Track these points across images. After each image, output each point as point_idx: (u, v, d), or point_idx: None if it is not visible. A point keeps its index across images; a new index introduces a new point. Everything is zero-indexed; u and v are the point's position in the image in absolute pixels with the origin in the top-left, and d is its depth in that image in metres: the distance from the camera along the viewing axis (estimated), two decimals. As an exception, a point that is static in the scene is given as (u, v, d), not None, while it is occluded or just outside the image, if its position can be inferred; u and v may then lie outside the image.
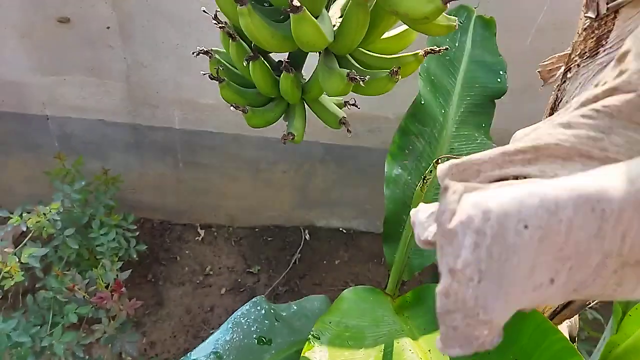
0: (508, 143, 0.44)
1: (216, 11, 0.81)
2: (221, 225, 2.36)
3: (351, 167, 2.24)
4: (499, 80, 1.35)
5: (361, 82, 0.71)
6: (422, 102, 1.27)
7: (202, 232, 2.30)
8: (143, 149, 2.06)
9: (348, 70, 0.72)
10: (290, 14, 0.63)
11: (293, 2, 0.60)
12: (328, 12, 0.79)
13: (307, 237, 2.39)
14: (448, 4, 0.58)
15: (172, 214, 2.33)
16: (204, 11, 0.82)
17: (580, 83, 0.83)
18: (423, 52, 0.82)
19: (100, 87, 1.83)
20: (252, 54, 0.80)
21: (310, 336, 0.94)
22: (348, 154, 2.20)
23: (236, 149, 2.12)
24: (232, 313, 1.09)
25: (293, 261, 2.26)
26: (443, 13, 0.65)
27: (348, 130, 0.91)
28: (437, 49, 0.83)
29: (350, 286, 2.27)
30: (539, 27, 1.74)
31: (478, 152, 1.30)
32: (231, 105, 0.88)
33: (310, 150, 2.18)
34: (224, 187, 2.27)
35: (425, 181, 0.85)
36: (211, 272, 2.16)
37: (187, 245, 2.24)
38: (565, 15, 1.71)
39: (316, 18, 0.70)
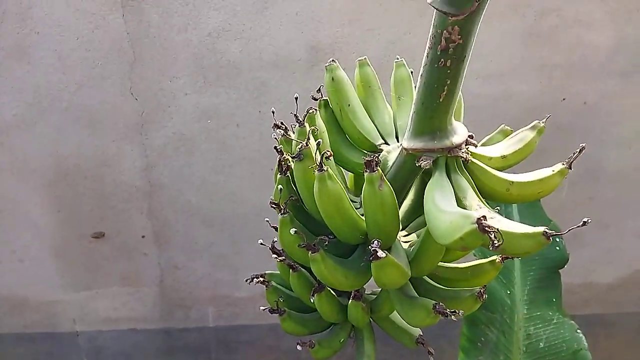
0: None
1: (273, 241, 0.76)
2: None
3: (399, 343, 2.06)
4: (557, 248, 1.27)
5: (452, 317, 0.62)
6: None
7: None
8: (175, 353, 1.92)
9: (434, 302, 0.63)
10: (372, 262, 0.57)
11: (377, 254, 0.54)
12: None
13: None
14: (551, 239, 0.52)
15: (208, 421, 2.09)
16: (261, 243, 0.78)
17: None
18: (500, 259, 0.75)
19: (133, 295, 1.77)
20: (317, 286, 0.73)
21: None
22: (394, 329, 2.03)
23: (273, 340, 1.97)
24: None
25: None
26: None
27: (429, 352, 0.79)
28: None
29: None
30: (571, 179, 1.72)
31: (557, 335, 1.14)
32: (297, 343, 0.79)
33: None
34: (263, 383, 2.06)
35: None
36: None
37: None
38: (597, 165, 1.71)
39: (389, 249, 0.64)
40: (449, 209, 0.52)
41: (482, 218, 0.46)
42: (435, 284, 0.74)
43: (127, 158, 1.51)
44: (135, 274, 1.72)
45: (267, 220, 0.82)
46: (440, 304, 0.62)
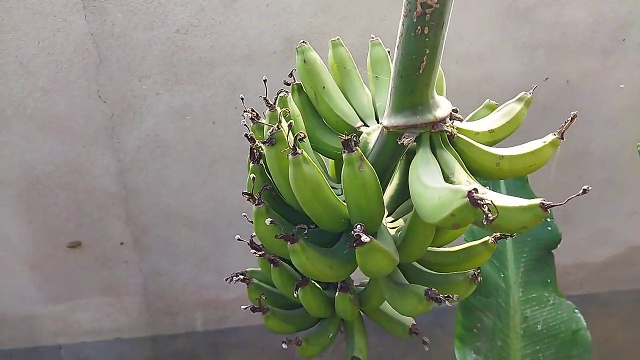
0: None
1: (252, 236, 0.72)
2: None
3: (392, 336, 2.02)
4: (549, 228, 1.24)
5: (446, 302, 0.58)
6: (477, 271, 1.14)
7: None
8: (165, 361, 1.86)
9: (426, 288, 0.59)
10: (356, 248, 0.52)
11: (361, 238, 0.50)
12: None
13: None
14: (549, 210, 0.48)
15: None
16: (238, 239, 0.73)
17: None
18: (493, 239, 0.71)
19: (116, 305, 1.70)
20: (301, 279, 0.69)
21: None
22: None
23: (265, 341, 1.92)
24: None
25: None
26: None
27: (424, 342, 0.75)
28: (509, 233, 0.73)
29: None
30: (559, 160, 1.70)
31: (555, 316, 1.11)
32: (283, 342, 0.74)
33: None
34: (258, 386, 2.01)
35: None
36: None
37: None
38: (582, 145, 1.69)
39: (375, 235, 0.60)
40: (437, 184, 0.48)
41: (473, 191, 0.42)
42: (427, 270, 0.70)
43: (100, 163, 1.45)
44: (116, 283, 1.66)
45: (245, 215, 0.78)
46: (433, 289, 0.58)
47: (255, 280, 0.79)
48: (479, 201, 0.41)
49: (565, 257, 1.86)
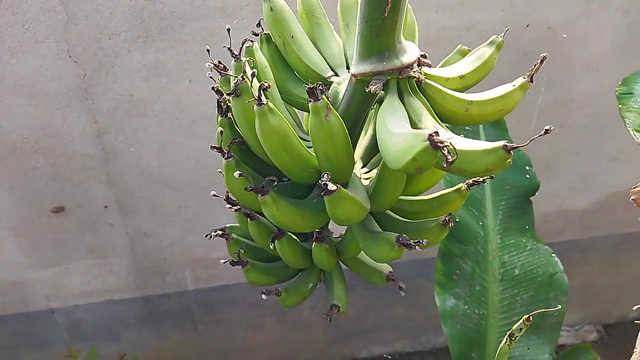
0: None
1: (227, 193, 0.72)
2: (255, 383, 2.12)
3: (380, 286, 2.07)
4: (527, 176, 1.26)
5: (417, 247, 0.59)
6: (457, 219, 1.16)
7: (235, 398, 2.04)
8: (157, 319, 1.90)
9: (397, 235, 0.60)
10: (324, 197, 0.52)
11: (328, 187, 0.50)
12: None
13: (351, 374, 2.14)
14: (512, 152, 0.48)
15: (199, 383, 2.10)
16: (214, 195, 0.73)
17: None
18: (466, 186, 0.72)
19: (105, 267, 1.72)
20: (277, 232, 0.69)
21: None
22: (375, 274, 2.03)
23: (255, 296, 1.96)
24: None
25: (343, 409, 1.99)
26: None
27: (400, 287, 0.77)
28: (481, 179, 0.73)
29: None
30: (541, 109, 1.70)
31: (532, 261, 1.13)
32: (262, 293, 0.76)
33: (335, 279, 2.02)
34: (250, 340, 2.07)
35: (513, 338, 0.70)
36: None
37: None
38: (564, 92, 1.68)
39: (346, 185, 0.60)
40: (400, 130, 0.48)
41: (434, 134, 0.42)
42: (401, 218, 0.71)
43: (76, 126, 1.42)
44: (103, 246, 1.67)
45: (220, 171, 0.77)
46: (404, 235, 0.59)
47: (234, 236, 0.79)
48: (439, 144, 0.41)
49: (547, 205, 1.89)
